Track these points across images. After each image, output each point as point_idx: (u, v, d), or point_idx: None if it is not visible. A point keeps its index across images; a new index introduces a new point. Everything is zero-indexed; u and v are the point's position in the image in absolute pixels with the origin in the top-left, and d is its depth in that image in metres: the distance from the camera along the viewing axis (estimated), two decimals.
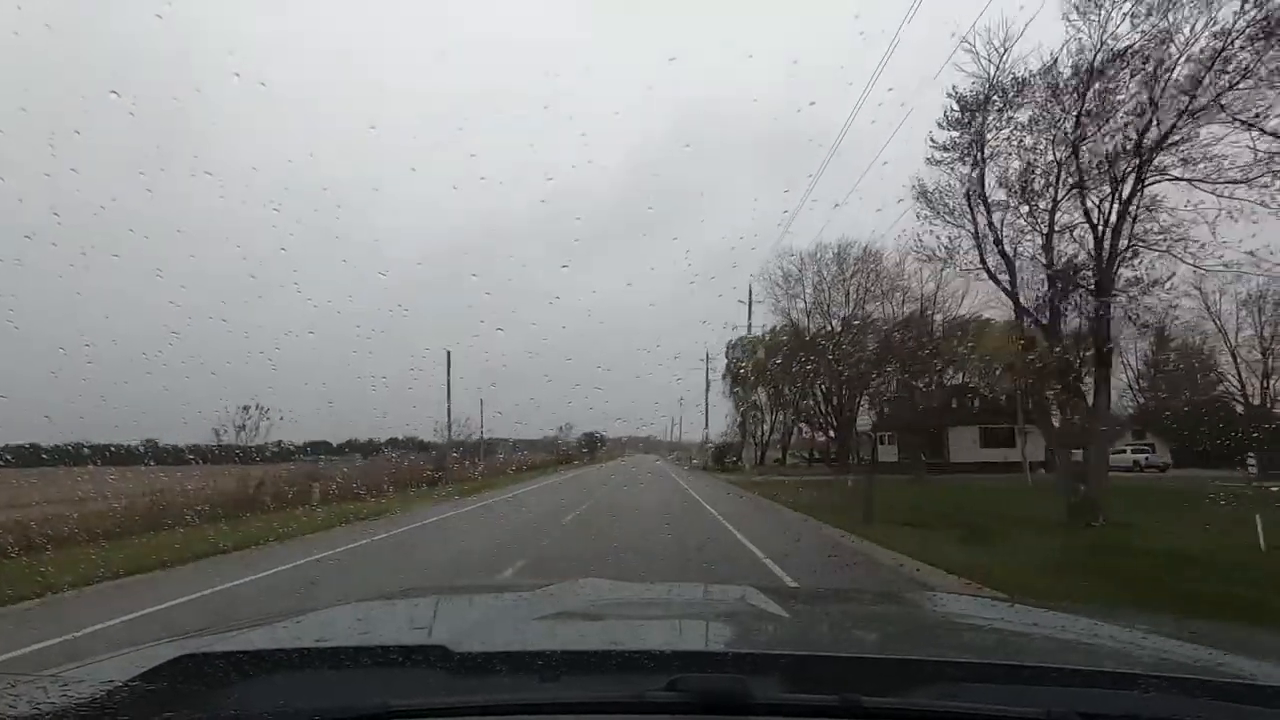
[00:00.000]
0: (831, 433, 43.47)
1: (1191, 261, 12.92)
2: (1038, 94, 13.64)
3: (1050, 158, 13.94)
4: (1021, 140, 15.04)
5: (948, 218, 16.34)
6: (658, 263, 50.98)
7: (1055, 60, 13.25)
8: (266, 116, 73.75)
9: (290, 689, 1.11)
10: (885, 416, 39.69)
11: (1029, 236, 15.74)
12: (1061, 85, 13.13)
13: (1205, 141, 12.45)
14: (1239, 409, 37.51)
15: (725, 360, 49.65)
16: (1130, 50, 12.31)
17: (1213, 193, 12.49)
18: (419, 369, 31.48)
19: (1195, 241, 12.84)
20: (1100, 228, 13.51)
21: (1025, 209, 15.37)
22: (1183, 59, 12.01)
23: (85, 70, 56.88)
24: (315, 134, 78.71)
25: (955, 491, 21.42)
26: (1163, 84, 12.26)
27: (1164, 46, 12.07)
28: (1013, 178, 15.50)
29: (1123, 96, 12.75)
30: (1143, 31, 12.19)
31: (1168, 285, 14.76)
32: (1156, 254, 13.31)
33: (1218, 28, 11.79)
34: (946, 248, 15.61)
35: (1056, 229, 15.22)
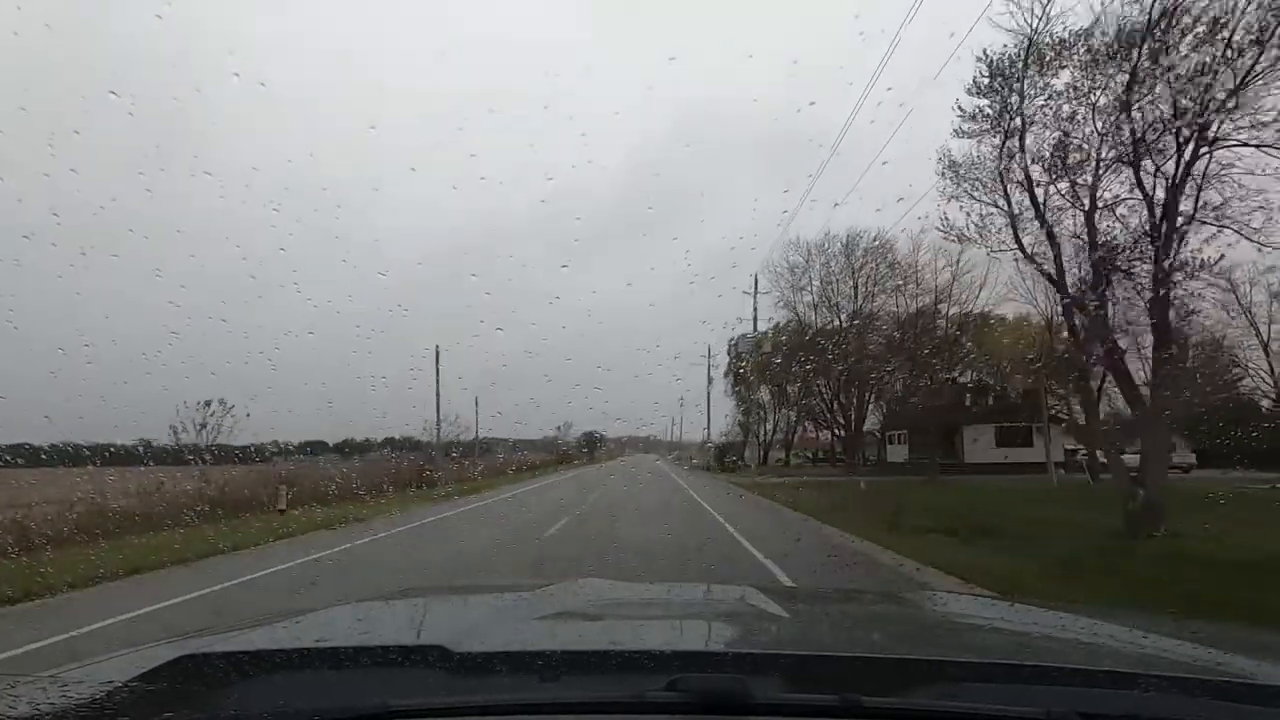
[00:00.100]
0: (839, 431, 41.87)
1: (1258, 240, 11.37)
2: (1086, 50, 12.05)
3: (1091, 128, 12.39)
4: (1060, 107, 13.35)
5: (976, 195, 14.74)
6: (658, 263, 51.77)
7: (1104, 10, 11.66)
8: (266, 116, 75.69)
9: (290, 689, 1.12)
10: (895, 415, 38.07)
11: (1067, 214, 14.06)
12: (1116, 37, 11.56)
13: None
14: (1264, 406, 35.95)
15: (727, 358, 48.52)
16: None
17: None
18: (419, 369, 31.46)
19: (1264, 211, 11.28)
20: (1156, 200, 11.94)
21: (1064, 183, 13.71)
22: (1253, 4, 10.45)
23: (85, 70, 57.33)
24: (315, 134, 79.82)
25: (978, 494, 20.16)
26: (1230, 38, 10.71)
27: None
28: (1047, 149, 13.81)
29: (1186, 51, 11.16)
30: None
31: (1215, 268, 13.16)
32: (1213, 230, 11.74)
33: None
34: (977, 225, 14.04)
35: (1099, 205, 13.60)
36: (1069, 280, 13.73)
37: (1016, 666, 1.20)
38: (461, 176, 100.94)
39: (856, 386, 37.42)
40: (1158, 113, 12.49)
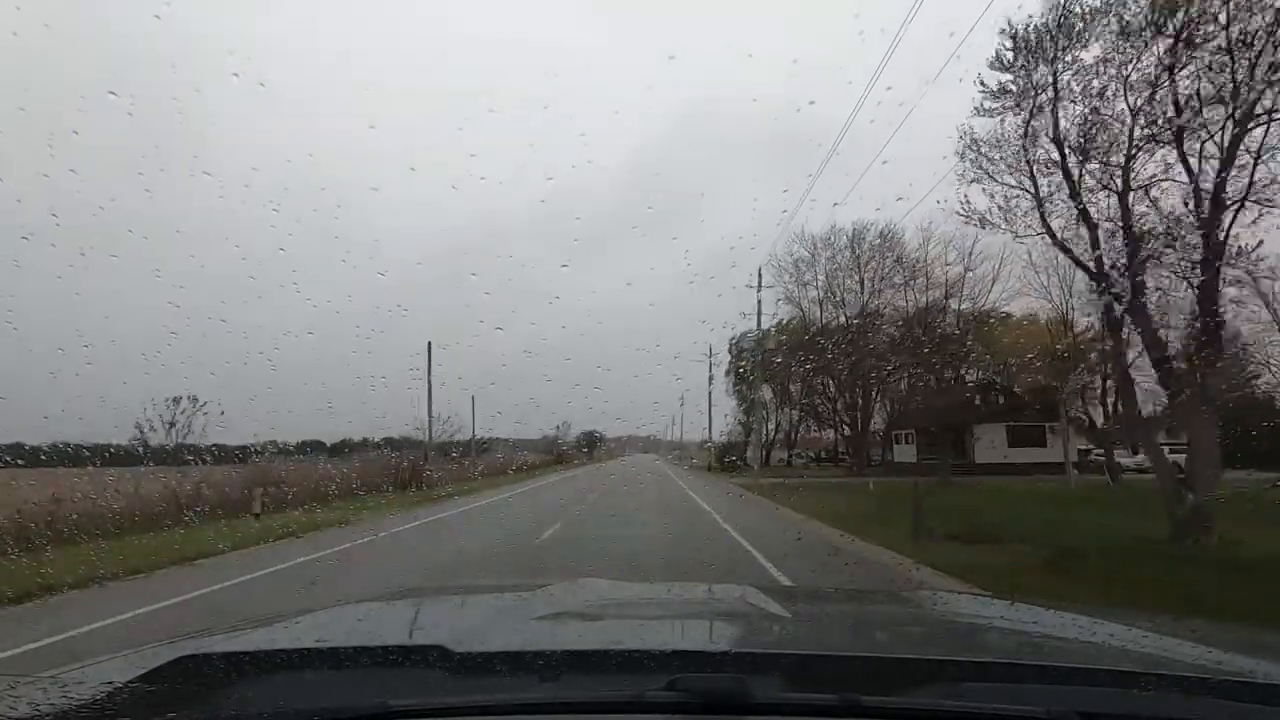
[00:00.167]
0: (845, 430, 40.82)
1: None
2: (1120, 18, 10.97)
3: (1125, 103, 11.35)
4: (1091, 80, 12.29)
5: (998, 177, 13.68)
6: (657, 263, 52.69)
7: None
8: (266, 116, 76.63)
9: (290, 689, 1.14)
10: (902, 414, 36.95)
11: (1096, 197, 13.02)
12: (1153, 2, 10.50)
13: None
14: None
15: (729, 356, 47.69)
16: None
17: None
18: (418, 369, 31.81)
19: None
20: (1203, 179, 10.85)
21: (1094, 164, 12.64)
22: None
23: (84, 70, 57.42)
24: (315, 134, 79.16)
25: (997, 496, 19.23)
26: None
27: None
28: (1076, 127, 12.76)
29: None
30: None
31: (1254, 254, 12.15)
32: (1257, 213, 10.72)
33: None
34: (1001, 208, 12.97)
35: (1133, 186, 12.52)
36: (1097, 268, 12.65)
37: (1016, 666, 1.23)
38: (461, 176, 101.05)
39: (863, 384, 36.31)
40: (1204, 83, 11.40)
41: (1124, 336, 13.04)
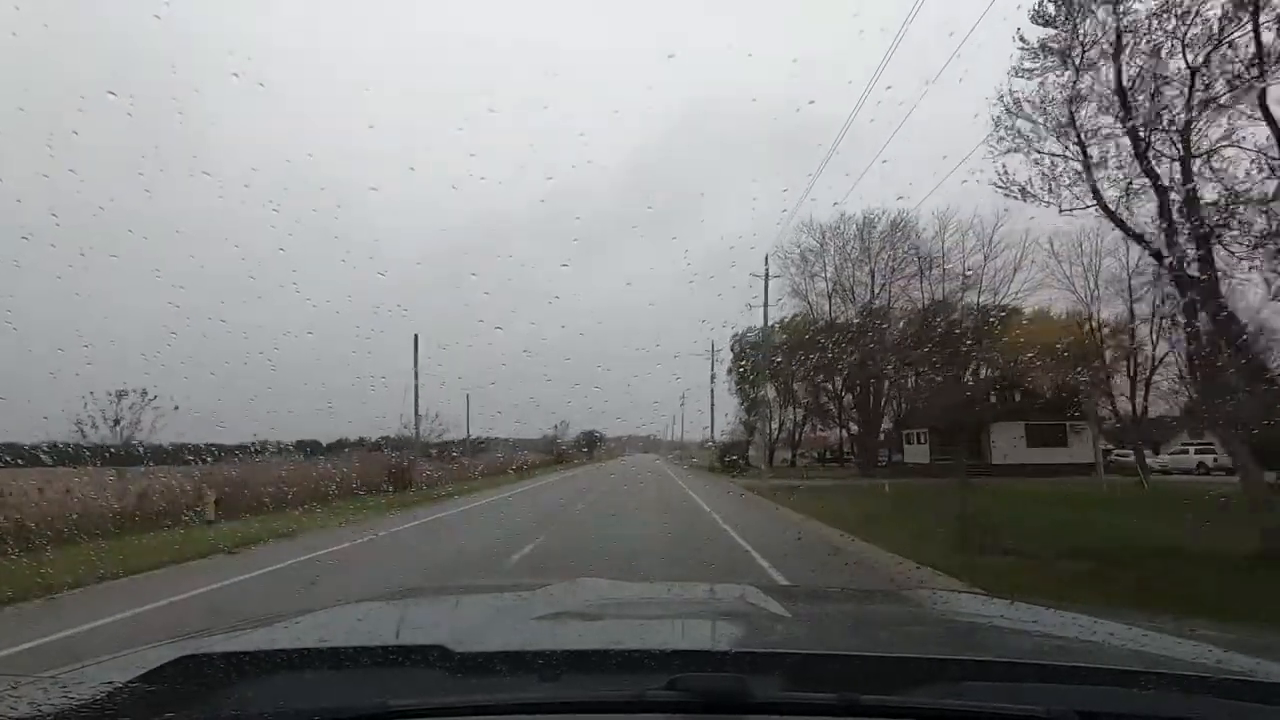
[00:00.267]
0: (854, 428, 39.21)
1: None
2: None
3: (1185, 60, 9.88)
4: (1153, 27, 10.75)
5: (1039, 148, 12.19)
6: (657, 263, 54.35)
7: None
8: (266, 116, 76.92)
9: (290, 689, 1.14)
10: (915, 412, 35.27)
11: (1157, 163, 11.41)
12: None
13: None
14: None
15: (731, 353, 46.41)
16: None
17: None
18: (419, 368, 30.97)
19: None
20: None
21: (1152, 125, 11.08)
22: None
23: (83, 71, 56.45)
24: (315, 134, 77.84)
25: (1030, 500, 17.71)
26: None
27: None
28: (1132, 79, 11.21)
29: None
30: None
31: None
32: None
33: None
34: (1048, 174, 11.44)
35: (1196, 152, 10.97)
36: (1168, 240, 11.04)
37: (1016, 665, 1.22)
38: (461, 176, 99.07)
39: (875, 381, 34.62)
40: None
41: (1193, 320, 11.44)
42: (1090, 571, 8.43)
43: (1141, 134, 10.75)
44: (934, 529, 11.57)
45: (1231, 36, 10.70)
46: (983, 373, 34.35)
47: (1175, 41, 11.13)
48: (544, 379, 23.07)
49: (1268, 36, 10.34)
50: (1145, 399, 31.09)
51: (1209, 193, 11.51)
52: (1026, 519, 13.22)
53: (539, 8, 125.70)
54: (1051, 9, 12.13)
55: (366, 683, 1.12)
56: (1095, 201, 12.20)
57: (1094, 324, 30.78)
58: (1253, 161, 10.89)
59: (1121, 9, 10.99)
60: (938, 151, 35.39)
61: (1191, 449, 34.21)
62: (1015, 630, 1.69)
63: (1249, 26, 10.52)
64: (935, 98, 26.56)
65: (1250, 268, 11.27)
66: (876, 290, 34.19)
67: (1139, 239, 11.86)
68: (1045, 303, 34.44)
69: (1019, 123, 12.93)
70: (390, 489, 22.83)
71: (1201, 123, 11.46)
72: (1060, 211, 13.05)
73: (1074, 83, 12.20)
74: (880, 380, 35.50)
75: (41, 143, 23.04)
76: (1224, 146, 11.34)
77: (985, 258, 31.15)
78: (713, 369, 46.69)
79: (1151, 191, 11.86)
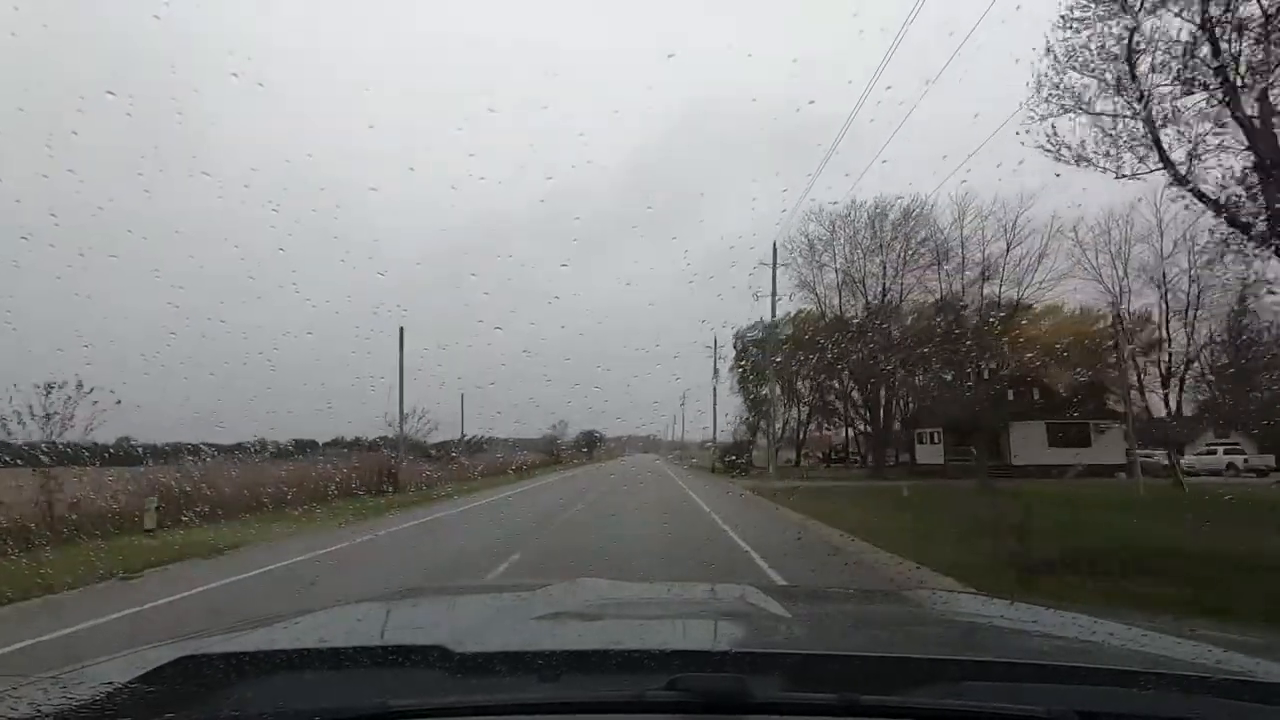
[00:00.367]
0: (864, 427, 37.66)
1: None
2: None
3: None
4: None
5: (1084, 108, 10.73)
6: (657, 262, 53.66)
7: None
8: (265, 116, 76.77)
9: (290, 690, 1.14)
10: (928, 410, 33.70)
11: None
12: None
13: None
14: None
15: (733, 351, 45.72)
16: None
17: None
18: (418, 368, 31.50)
19: None
20: None
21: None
22: None
23: (83, 71, 56.24)
24: (314, 134, 78.07)
25: (1065, 505, 16.38)
26: None
27: None
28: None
29: None
30: None
31: None
32: None
33: None
34: (1110, 135, 9.93)
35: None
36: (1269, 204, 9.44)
37: (1016, 665, 1.21)
38: (461, 176, 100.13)
39: (887, 377, 32.96)
40: None
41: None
42: (1184, 596, 6.90)
43: (1231, 78, 9.17)
44: (974, 539, 10.07)
45: None
46: (1002, 369, 32.76)
47: None
48: (544, 379, 23.99)
49: None
50: (1180, 395, 29.56)
51: None
52: (1072, 527, 11.83)
53: (539, 8, 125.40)
54: None
55: (366, 683, 1.13)
56: (1162, 163, 10.59)
57: (1122, 316, 29.25)
58: None
59: None
60: (938, 151, 34.56)
61: (1220, 449, 32.79)
62: (1015, 630, 1.71)
63: None
64: (936, 97, 25.44)
65: None
66: (888, 282, 32.72)
67: (1216, 206, 10.26)
68: (1069, 294, 32.96)
69: (1067, 78, 11.35)
70: (366, 492, 21.56)
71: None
72: (1117, 177, 11.46)
73: (1133, 30, 10.61)
74: (892, 376, 33.92)
75: (41, 143, 23.38)
76: None
77: (1008, 245, 29.50)
78: (715, 364, 45.91)
79: (1220, 156, 10.27)
